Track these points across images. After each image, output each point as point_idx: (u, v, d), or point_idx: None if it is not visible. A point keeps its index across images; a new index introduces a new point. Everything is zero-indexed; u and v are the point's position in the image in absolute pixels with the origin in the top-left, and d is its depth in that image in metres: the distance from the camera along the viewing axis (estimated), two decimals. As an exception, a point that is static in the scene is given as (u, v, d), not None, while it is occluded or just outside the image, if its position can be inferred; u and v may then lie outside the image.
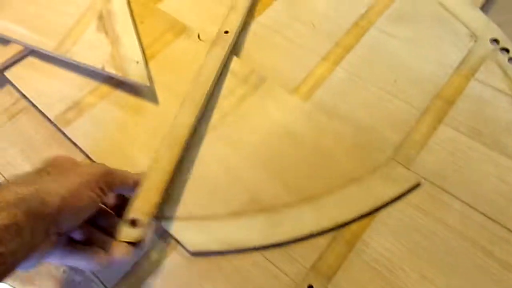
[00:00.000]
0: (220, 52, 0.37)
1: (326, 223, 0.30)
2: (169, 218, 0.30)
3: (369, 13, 0.42)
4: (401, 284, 0.27)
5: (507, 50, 0.37)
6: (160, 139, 0.31)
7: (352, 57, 0.39)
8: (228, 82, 0.37)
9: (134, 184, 0.28)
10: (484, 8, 0.41)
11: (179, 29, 0.41)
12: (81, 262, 0.24)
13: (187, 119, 0.33)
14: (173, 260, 0.29)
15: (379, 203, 0.30)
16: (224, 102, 0.36)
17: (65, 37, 0.38)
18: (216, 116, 0.35)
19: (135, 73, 0.36)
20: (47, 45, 0.37)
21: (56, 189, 0.21)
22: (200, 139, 0.34)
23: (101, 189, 0.24)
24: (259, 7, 0.43)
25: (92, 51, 0.37)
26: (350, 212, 0.30)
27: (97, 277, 0.29)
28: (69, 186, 0.22)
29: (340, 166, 0.32)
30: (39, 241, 0.20)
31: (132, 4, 0.42)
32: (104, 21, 0.39)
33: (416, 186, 0.31)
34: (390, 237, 0.29)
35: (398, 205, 0.31)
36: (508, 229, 0.29)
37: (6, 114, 0.36)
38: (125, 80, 0.35)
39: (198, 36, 0.40)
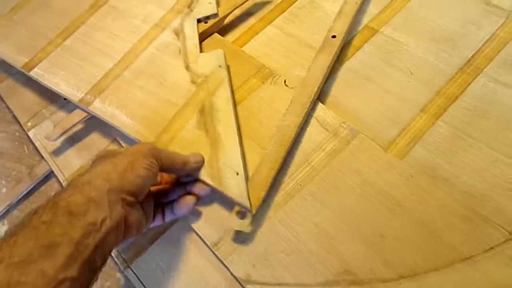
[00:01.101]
0: (327, 58, 0.37)
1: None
2: (257, 283, 0.29)
3: (476, 58, 0.37)
4: None
5: None
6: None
7: (457, 109, 0.35)
8: (316, 134, 0.35)
9: (183, 163, 0.30)
10: None
11: (265, 74, 0.40)
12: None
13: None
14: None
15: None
16: (313, 156, 0.34)
17: (164, 131, 0.36)
18: (304, 171, 0.33)
19: (233, 188, 0.31)
20: (146, 136, 0.36)
21: (112, 168, 0.25)
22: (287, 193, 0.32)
23: (151, 161, 0.27)
24: (348, 50, 0.41)
25: (189, 150, 0.33)
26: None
27: None
28: (122, 163, 0.26)
29: (447, 241, 0.29)
30: (120, 209, 0.24)
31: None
32: (205, 117, 0.35)
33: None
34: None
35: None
36: None
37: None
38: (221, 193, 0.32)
39: (285, 82, 0.39)
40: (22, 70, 0.43)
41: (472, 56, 0.37)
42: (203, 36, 0.43)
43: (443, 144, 0.33)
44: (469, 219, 0.29)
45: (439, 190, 0.31)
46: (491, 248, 0.28)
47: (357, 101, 0.37)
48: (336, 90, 0.38)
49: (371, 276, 0.28)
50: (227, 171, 0.32)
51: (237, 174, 0.32)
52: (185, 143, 0.34)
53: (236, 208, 0.31)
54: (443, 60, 0.38)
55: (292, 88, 0.38)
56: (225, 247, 0.31)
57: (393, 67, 0.39)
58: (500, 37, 0.38)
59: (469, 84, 0.36)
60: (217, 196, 0.33)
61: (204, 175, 0.32)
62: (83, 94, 0.39)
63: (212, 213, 0.33)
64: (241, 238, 0.31)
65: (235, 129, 0.34)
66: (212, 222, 0.33)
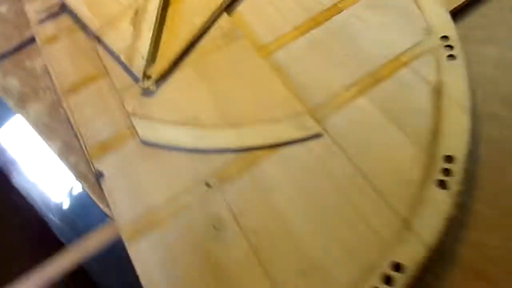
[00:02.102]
0: None
1: (240, 144, 0.39)
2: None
3: (348, -1, 0.48)
4: (274, 203, 0.36)
5: (451, 47, 0.41)
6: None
7: (319, 31, 0.46)
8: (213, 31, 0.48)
9: None
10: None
11: None
12: None
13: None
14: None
15: (283, 139, 0.39)
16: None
17: (108, 23, 0.48)
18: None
19: (137, 67, 0.44)
20: (93, 23, 0.49)
21: None
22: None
23: None
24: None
25: (119, 40, 0.46)
26: (259, 140, 0.39)
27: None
28: None
29: (268, 109, 0.41)
30: None
31: None
32: (137, 17, 0.48)
33: (318, 136, 0.39)
34: (282, 168, 0.38)
35: (299, 147, 0.39)
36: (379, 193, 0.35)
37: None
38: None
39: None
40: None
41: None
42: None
43: (300, 52, 0.45)
44: (286, 99, 0.41)
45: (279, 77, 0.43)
46: (292, 117, 0.40)
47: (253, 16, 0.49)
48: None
49: (208, 122, 0.41)
50: (136, 54, 0.45)
51: (142, 58, 0.45)
52: (118, 32, 0.47)
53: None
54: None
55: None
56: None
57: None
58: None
59: (335, 15, 0.47)
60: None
61: (123, 57, 0.45)
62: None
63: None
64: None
65: (152, 26, 0.46)
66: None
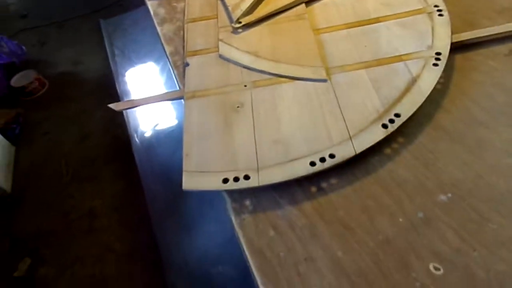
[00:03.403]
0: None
1: (275, 71, 0.61)
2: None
3: None
4: (278, 104, 0.57)
5: (438, 59, 0.57)
6: None
7: (357, 30, 0.66)
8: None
9: None
10: None
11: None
12: None
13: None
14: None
15: (301, 76, 0.59)
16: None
17: None
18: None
19: (235, 14, 0.73)
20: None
21: None
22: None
23: None
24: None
25: None
26: (288, 72, 0.60)
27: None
28: None
29: (301, 58, 0.62)
30: None
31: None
32: None
33: (324, 81, 0.58)
34: (293, 90, 0.58)
35: (309, 83, 0.58)
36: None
37: None
38: None
39: None
40: None
41: None
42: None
43: (338, 38, 0.65)
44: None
45: (317, 47, 0.64)
46: (313, 66, 0.60)
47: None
48: None
49: None
50: (238, 8, 0.71)
51: (241, 10, 0.70)
52: None
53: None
54: None
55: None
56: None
57: None
58: None
59: (375, 23, 0.66)
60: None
61: None
62: None
63: None
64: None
65: None
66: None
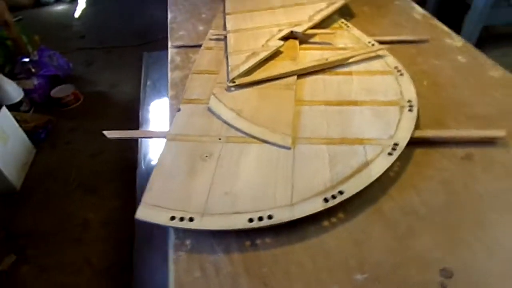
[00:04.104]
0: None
1: (248, 131, 0.68)
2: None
3: None
4: (240, 164, 0.63)
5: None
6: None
7: (334, 108, 0.73)
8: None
9: None
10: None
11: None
12: None
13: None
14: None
15: (268, 139, 0.66)
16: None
17: (235, 51, 0.90)
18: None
19: (232, 74, 0.83)
20: (230, 47, 0.90)
21: None
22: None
23: None
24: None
25: (235, 60, 0.87)
26: (258, 135, 0.67)
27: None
28: None
29: (276, 123, 0.69)
30: None
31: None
32: (252, 55, 0.88)
33: (287, 148, 0.64)
34: (258, 151, 0.65)
35: (273, 147, 0.65)
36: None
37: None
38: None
39: (295, 64, 0.84)
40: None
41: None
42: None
43: (316, 112, 0.72)
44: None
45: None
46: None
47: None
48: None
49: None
50: (236, 70, 0.81)
51: (238, 71, 0.80)
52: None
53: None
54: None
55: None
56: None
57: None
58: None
59: (352, 105, 0.73)
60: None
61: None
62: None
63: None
64: (226, 85, 0.79)
65: (253, 63, 0.82)
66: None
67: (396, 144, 0.64)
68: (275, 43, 0.88)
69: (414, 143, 0.66)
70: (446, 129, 0.68)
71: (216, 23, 1.09)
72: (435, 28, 1.04)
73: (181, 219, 0.55)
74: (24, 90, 1.93)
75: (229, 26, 0.99)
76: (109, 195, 1.53)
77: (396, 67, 0.82)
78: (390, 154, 0.62)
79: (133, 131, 0.73)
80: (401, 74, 0.80)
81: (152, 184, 0.61)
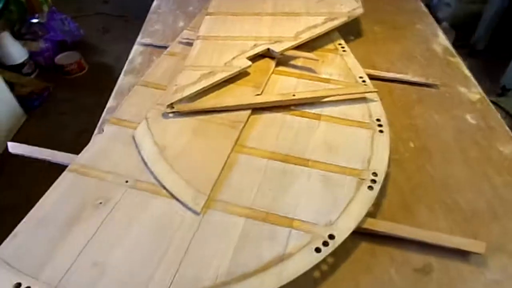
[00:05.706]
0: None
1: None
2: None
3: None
4: (134, 228, 0.51)
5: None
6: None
7: (278, 163, 0.58)
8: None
9: None
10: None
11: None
12: None
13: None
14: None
15: (178, 196, 0.53)
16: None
17: (191, 66, 0.75)
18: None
19: (171, 98, 0.69)
20: (188, 62, 0.76)
21: None
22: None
23: None
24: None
25: (186, 78, 0.73)
26: (171, 187, 0.54)
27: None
28: None
29: (196, 174, 0.56)
30: None
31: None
32: (206, 75, 0.74)
33: (195, 212, 0.51)
34: (164, 208, 0.52)
35: (180, 207, 0.52)
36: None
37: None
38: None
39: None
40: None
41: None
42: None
43: (253, 166, 0.58)
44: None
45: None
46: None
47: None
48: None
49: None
50: (180, 92, 0.67)
51: (181, 95, 0.66)
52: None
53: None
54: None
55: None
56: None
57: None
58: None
59: (301, 165, 0.58)
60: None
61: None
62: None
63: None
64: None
65: (202, 86, 0.68)
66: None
67: (331, 237, 0.49)
68: (241, 63, 0.73)
69: (362, 233, 0.51)
70: (407, 226, 0.52)
71: (197, 21, 0.94)
72: (453, 68, 0.84)
73: (27, 289, 0.44)
74: (30, 52, 1.89)
75: (201, 30, 0.84)
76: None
77: (378, 120, 0.65)
78: (317, 250, 0.47)
79: (39, 148, 0.62)
80: (381, 131, 0.63)
81: (20, 231, 0.50)
